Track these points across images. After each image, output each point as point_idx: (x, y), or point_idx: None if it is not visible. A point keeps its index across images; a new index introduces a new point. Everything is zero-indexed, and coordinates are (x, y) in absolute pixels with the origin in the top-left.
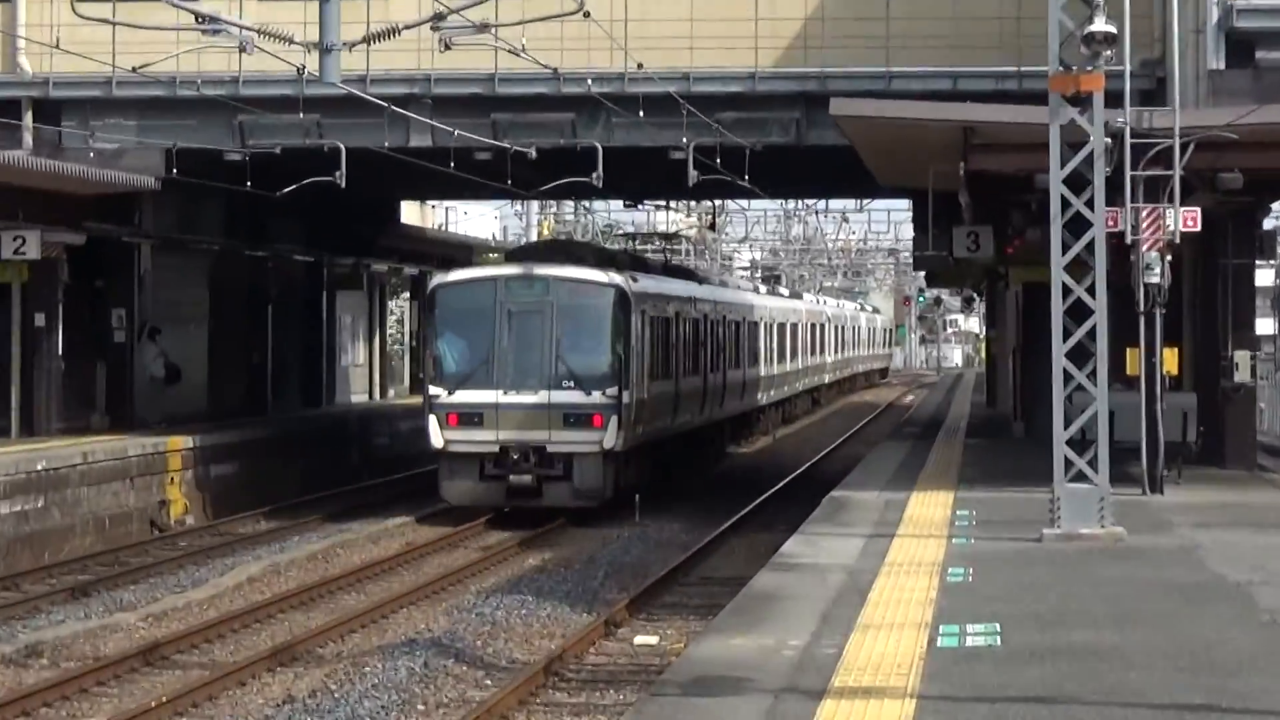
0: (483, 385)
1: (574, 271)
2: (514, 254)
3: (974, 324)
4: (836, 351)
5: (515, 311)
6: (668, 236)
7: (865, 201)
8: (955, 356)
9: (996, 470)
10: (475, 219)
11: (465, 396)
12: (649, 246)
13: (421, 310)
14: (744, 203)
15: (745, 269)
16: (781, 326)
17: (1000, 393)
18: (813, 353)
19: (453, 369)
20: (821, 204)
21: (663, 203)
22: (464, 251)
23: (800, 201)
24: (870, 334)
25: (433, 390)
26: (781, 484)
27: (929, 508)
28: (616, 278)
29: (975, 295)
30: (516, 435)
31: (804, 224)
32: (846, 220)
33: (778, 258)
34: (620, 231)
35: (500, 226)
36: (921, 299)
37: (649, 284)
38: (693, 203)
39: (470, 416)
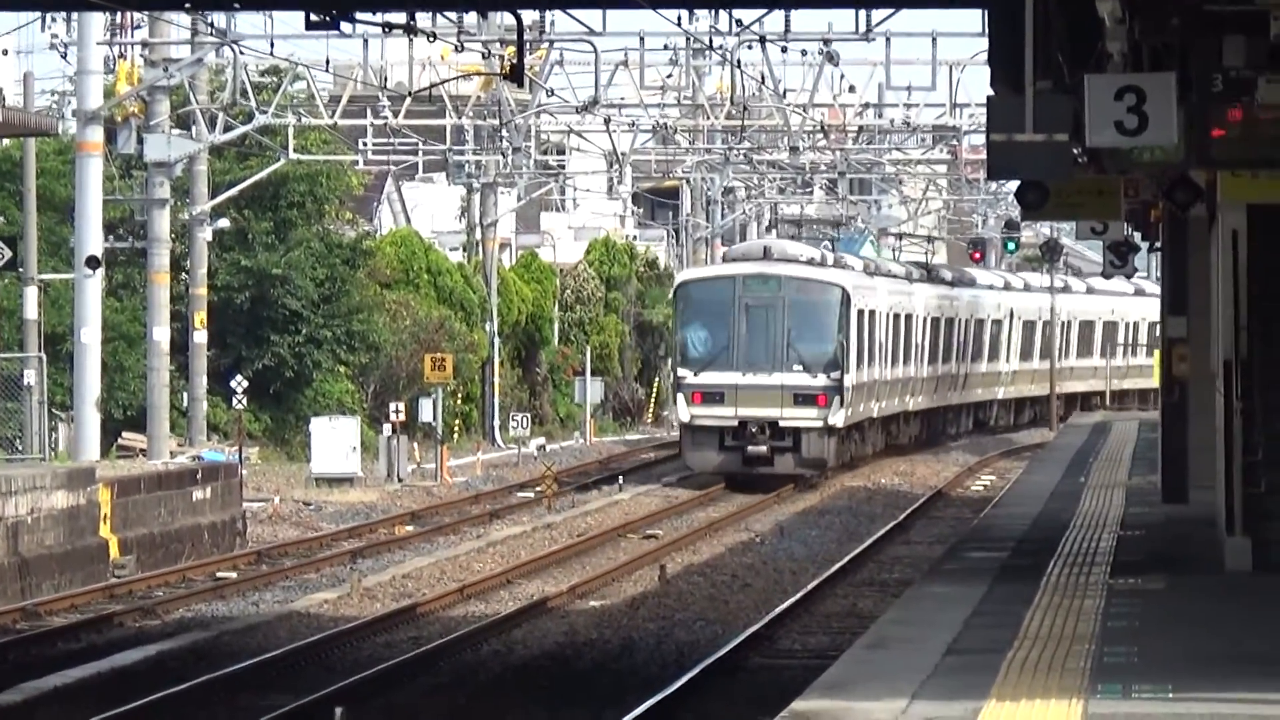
0: (724, 368)
1: (804, 271)
2: (732, 253)
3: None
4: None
5: (752, 305)
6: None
7: (876, 14)
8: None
9: (1183, 651)
10: None
11: (709, 378)
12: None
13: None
14: (583, 16)
15: (592, 175)
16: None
17: (1195, 469)
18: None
19: (697, 354)
20: (767, 19)
21: (402, 17)
22: None
23: (716, 13)
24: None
25: (680, 372)
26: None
27: None
28: (841, 276)
29: (1134, 243)
30: (753, 411)
31: (732, 69)
32: (832, 60)
33: (667, 146)
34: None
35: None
36: (1011, 248)
37: (868, 280)
38: (468, 17)
39: (713, 395)
